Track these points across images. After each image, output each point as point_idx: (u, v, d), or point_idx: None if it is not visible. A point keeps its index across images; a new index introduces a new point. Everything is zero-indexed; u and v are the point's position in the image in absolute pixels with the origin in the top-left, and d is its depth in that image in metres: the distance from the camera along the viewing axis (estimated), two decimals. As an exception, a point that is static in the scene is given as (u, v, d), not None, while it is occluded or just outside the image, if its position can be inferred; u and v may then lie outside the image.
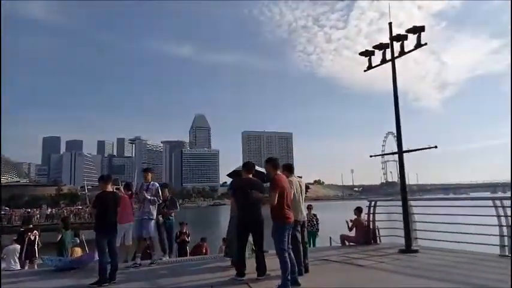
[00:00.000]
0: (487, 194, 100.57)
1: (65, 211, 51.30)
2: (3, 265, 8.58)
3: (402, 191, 8.15)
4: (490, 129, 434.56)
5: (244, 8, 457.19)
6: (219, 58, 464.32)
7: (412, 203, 8.63)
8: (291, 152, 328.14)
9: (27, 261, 9.11)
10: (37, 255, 9.15)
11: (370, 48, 8.88)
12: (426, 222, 8.34)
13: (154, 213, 7.65)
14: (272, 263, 5.65)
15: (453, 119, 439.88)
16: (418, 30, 8.00)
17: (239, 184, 6.21)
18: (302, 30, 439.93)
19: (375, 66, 8.95)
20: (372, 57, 8.95)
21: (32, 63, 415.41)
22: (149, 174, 7.76)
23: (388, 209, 9.68)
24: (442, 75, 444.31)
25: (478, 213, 7.28)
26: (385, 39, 8.64)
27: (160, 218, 8.36)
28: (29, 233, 9.32)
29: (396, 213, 8.48)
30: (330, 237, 12.18)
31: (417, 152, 8.38)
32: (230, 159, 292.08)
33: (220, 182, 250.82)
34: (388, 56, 8.57)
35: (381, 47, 8.66)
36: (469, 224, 7.38)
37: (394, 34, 8.35)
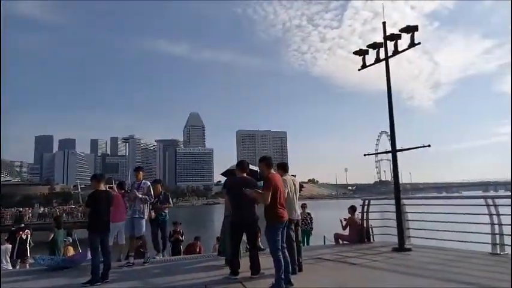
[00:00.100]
0: (479, 193, 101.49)
1: (58, 210, 51.05)
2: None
3: (396, 190, 8.18)
4: (481, 129, 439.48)
5: (238, 7, 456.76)
6: (213, 57, 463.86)
7: (405, 201, 8.67)
8: (285, 151, 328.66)
9: (19, 260, 9.05)
10: (29, 255, 9.09)
11: (364, 48, 8.90)
12: (419, 220, 8.39)
13: (146, 212, 7.58)
14: (266, 261, 5.66)
15: (446, 119, 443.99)
16: (411, 29, 8.03)
17: (233, 183, 6.17)
18: (296, 29, 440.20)
19: (369, 66, 8.97)
20: (366, 56, 8.97)
21: (24, 62, 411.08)
22: (140, 173, 7.75)
23: (381, 207, 9.72)
24: (435, 75, 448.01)
25: (470, 211, 7.36)
26: (379, 39, 8.67)
27: (153, 213, 8.00)
28: (21, 232, 9.25)
29: (390, 211, 8.54)
30: (324, 236, 12.25)
31: (410, 151, 8.43)
32: (224, 158, 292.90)
33: (215, 181, 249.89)
34: (382, 55, 8.60)
35: (375, 46, 8.69)
36: (461, 223, 7.44)
37: (387, 33, 8.38)
